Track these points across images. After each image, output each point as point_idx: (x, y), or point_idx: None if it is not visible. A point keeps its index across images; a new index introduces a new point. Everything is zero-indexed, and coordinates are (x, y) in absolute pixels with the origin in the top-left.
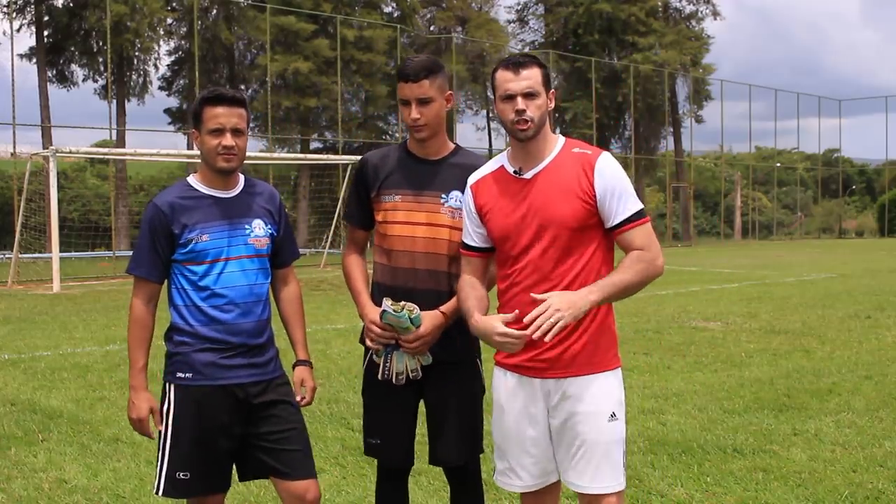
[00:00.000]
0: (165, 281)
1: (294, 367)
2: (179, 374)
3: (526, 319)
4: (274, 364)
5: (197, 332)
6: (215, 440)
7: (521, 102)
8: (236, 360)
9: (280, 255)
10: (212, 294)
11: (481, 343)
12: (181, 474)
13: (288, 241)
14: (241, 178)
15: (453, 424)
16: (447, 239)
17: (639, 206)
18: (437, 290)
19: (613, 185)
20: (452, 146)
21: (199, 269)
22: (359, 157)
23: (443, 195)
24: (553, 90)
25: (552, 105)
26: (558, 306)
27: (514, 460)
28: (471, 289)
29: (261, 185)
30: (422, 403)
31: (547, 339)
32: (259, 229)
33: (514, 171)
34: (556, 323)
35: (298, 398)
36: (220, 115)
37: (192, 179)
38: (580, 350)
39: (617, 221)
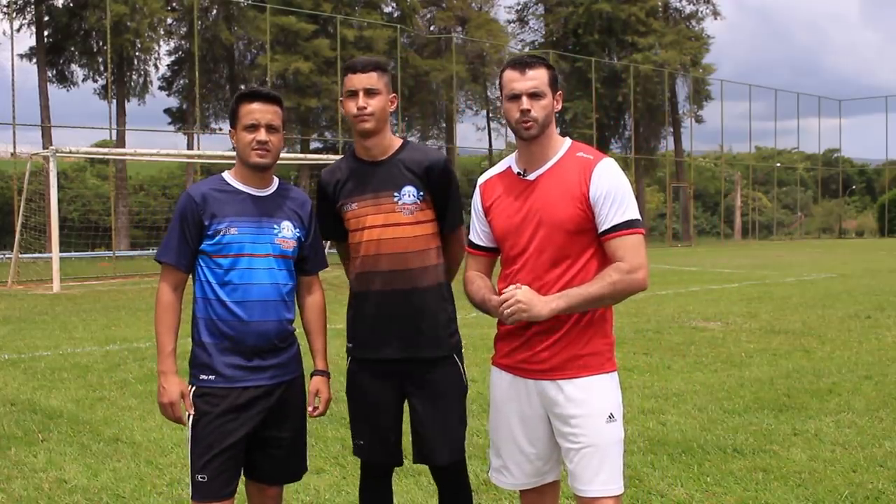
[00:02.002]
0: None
1: (311, 375)
2: (202, 377)
3: (497, 300)
4: (294, 364)
5: (218, 327)
6: (231, 442)
7: (525, 102)
8: (256, 362)
9: (306, 263)
10: (235, 289)
11: (467, 341)
12: (199, 477)
13: (315, 250)
14: (276, 180)
15: (437, 422)
16: (407, 236)
17: (631, 216)
18: (406, 290)
19: (608, 192)
20: (399, 142)
21: (225, 262)
22: None
23: (395, 194)
24: (560, 92)
25: (559, 107)
26: (521, 299)
27: (508, 458)
28: (480, 279)
29: (295, 191)
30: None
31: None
32: (287, 231)
33: (519, 172)
34: (512, 315)
35: (311, 408)
36: (256, 111)
37: (227, 175)
38: (574, 352)
39: (604, 228)
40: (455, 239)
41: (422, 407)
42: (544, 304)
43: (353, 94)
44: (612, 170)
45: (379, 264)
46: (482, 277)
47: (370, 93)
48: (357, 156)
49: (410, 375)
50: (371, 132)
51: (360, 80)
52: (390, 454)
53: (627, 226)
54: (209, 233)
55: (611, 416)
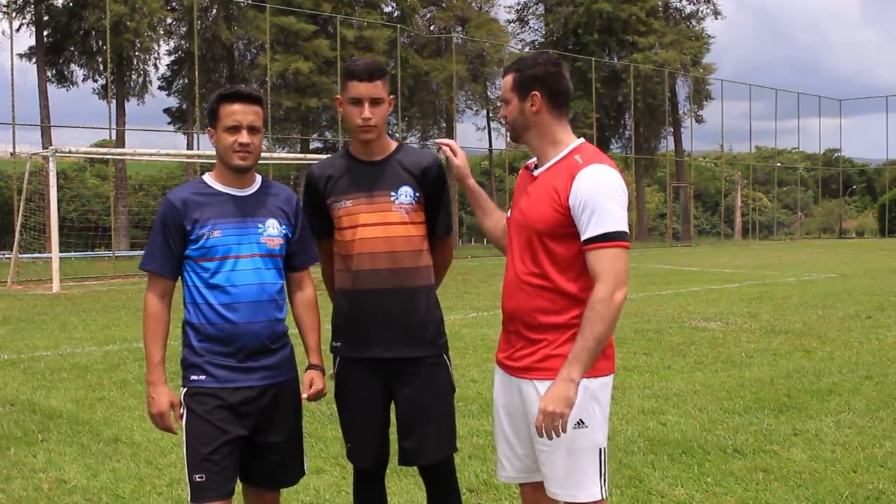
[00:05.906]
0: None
1: (306, 370)
2: (193, 377)
3: (535, 435)
4: (287, 366)
5: (208, 331)
6: (225, 440)
7: (502, 110)
8: (248, 363)
9: (295, 259)
10: (222, 291)
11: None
12: (197, 477)
13: (304, 245)
14: (258, 177)
15: (426, 420)
16: (402, 236)
17: (609, 227)
18: (399, 288)
19: (585, 200)
20: (395, 144)
21: (211, 265)
22: None
23: (392, 193)
24: (534, 92)
25: (535, 108)
26: (547, 408)
27: (500, 451)
28: None
29: (278, 187)
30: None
31: (555, 436)
32: (273, 229)
33: (532, 166)
34: (560, 422)
35: (304, 395)
36: (237, 111)
37: (208, 177)
38: (549, 353)
39: (582, 239)
40: (444, 245)
41: (410, 405)
42: (567, 387)
43: (358, 101)
44: (595, 176)
45: (371, 263)
46: None
47: (375, 102)
48: (353, 154)
49: (398, 374)
50: (374, 140)
51: (367, 90)
52: (381, 455)
53: (604, 238)
54: (192, 237)
55: (580, 423)
